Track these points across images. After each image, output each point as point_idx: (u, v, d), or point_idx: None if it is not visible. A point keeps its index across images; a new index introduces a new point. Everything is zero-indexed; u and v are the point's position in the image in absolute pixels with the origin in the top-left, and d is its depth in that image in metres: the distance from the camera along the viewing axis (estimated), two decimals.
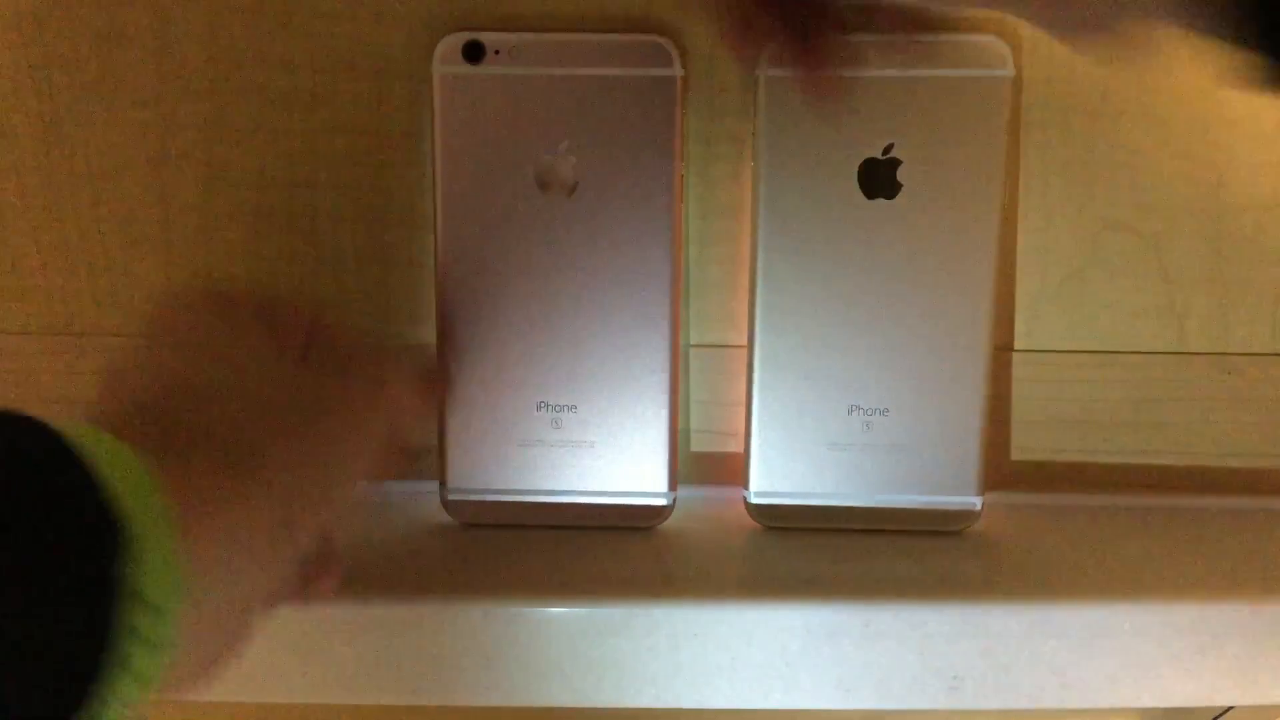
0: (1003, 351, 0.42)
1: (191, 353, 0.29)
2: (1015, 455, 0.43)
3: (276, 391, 0.29)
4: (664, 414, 0.39)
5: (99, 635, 0.21)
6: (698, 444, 0.43)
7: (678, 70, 0.37)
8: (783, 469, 0.39)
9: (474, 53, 0.37)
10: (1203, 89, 0.40)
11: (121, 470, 0.22)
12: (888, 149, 0.37)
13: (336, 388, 0.31)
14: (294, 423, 0.29)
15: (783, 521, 0.40)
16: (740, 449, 0.40)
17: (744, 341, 0.39)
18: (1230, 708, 0.44)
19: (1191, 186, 0.41)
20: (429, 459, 0.40)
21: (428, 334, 0.41)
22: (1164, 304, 0.42)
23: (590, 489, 0.39)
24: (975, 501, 0.39)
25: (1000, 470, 0.43)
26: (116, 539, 0.21)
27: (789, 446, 0.39)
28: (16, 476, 0.21)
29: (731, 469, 0.41)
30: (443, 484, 0.40)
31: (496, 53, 0.37)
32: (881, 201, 0.38)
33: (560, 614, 0.35)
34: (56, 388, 0.42)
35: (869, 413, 0.39)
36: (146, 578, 0.22)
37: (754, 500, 0.40)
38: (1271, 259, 0.41)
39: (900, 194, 0.37)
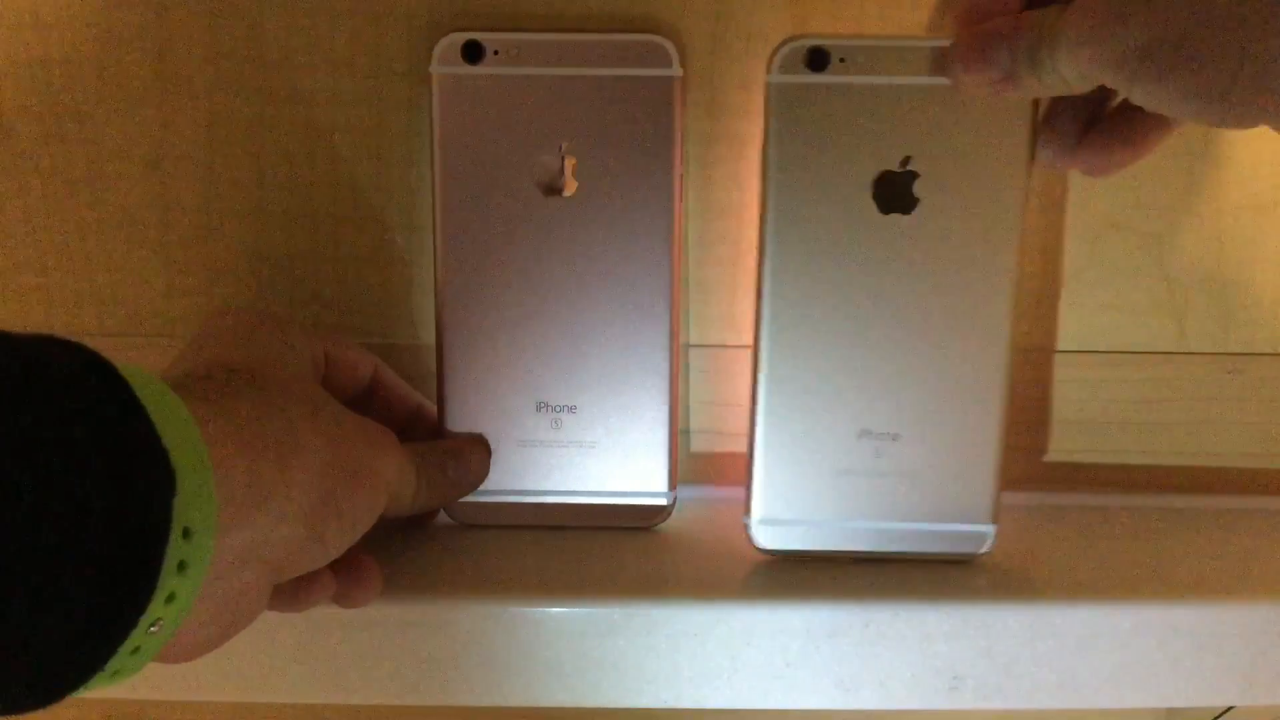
0: None
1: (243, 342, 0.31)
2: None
3: (310, 390, 0.31)
4: (664, 414, 0.39)
5: (152, 567, 0.22)
6: (698, 444, 0.43)
7: (677, 70, 0.37)
8: (788, 495, 0.37)
9: (474, 53, 0.37)
10: None
11: (166, 410, 0.23)
12: (904, 161, 0.35)
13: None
14: (326, 418, 0.30)
15: (785, 547, 0.38)
16: (741, 449, 0.40)
17: (744, 341, 0.39)
18: (1230, 708, 0.44)
19: (1191, 186, 0.41)
20: None
21: (427, 334, 0.41)
22: (1164, 304, 0.42)
23: (590, 489, 0.39)
24: (988, 530, 0.37)
25: None
26: (171, 475, 0.22)
27: (795, 472, 0.37)
28: (74, 406, 0.21)
29: (732, 469, 0.41)
30: None
31: (496, 53, 0.37)
32: (897, 217, 0.36)
33: (560, 614, 0.35)
34: None
35: (880, 438, 0.37)
36: (191, 512, 0.22)
37: (757, 527, 0.38)
38: (1271, 259, 0.41)
39: (917, 209, 0.36)
